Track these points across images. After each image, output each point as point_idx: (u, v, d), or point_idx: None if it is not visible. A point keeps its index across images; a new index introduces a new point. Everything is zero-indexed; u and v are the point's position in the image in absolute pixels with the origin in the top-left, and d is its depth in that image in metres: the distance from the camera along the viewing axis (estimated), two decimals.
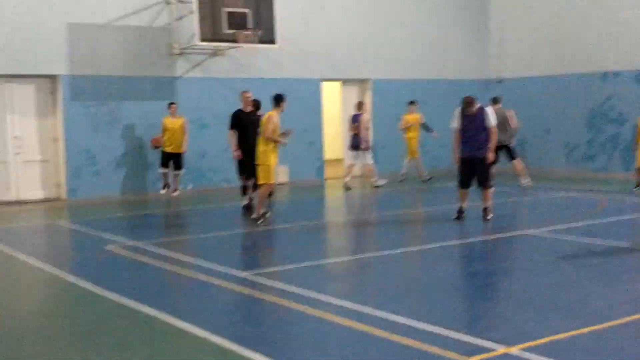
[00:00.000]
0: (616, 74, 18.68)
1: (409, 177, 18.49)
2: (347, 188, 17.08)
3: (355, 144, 17.05)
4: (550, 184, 16.98)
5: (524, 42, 21.04)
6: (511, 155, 16.54)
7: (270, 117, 12.02)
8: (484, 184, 12.09)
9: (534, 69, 20.66)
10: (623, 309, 6.77)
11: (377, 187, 17.29)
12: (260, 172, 12.14)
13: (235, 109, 13.81)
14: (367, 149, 17.12)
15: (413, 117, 18.40)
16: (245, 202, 13.72)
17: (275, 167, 12.24)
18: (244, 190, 13.71)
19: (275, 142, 12.07)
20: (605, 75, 18.93)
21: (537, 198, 15.13)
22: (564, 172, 19.65)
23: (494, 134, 11.98)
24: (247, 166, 13.15)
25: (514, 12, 21.23)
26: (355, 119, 17.15)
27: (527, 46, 20.92)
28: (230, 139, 13.56)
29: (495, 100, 16.23)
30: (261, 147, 12.07)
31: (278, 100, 12.25)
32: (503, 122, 15.49)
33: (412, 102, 18.51)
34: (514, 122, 16.17)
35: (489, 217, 12.05)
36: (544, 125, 20.28)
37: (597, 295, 7.37)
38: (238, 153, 13.33)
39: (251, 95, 13.64)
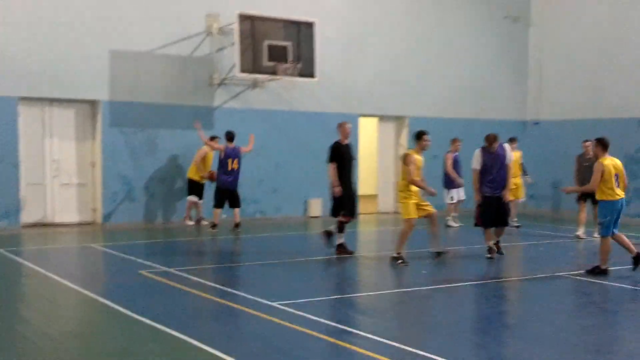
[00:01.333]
0: None
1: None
2: (447, 225, 16.90)
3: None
4: (585, 228, 16.77)
5: (562, 85, 21.00)
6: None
7: (411, 157, 11.20)
8: (505, 221, 12.29)
9: (571, 113, 20.57)
10: None
11: (448, 226, 16.88)
12: (401, 209, 11.69)
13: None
14: (447, 187, 16.97)
15: (515, 155, 16.55)
16: (341, 240, 12.47)
17: (413, 204, 11.37)
18: (341, 227, 12.40)
19: (419, 187, 11.35)
20: None
21: (571, 241, 14.96)
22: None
23: (511, 170, 12.22)
24: (346, 202, 12.24)
25: (553, 55, 21.22)
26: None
27: (565, 90, 20.86)
28: (332, 173, 12.16)
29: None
30: (401, 187, 11.48)
31: (418, 136, 11.49)
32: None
33: (512, 139, 16.99)
34: None
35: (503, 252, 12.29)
36: None
37: (625, 339, 7.28)
38: (339, 189, 12.06)
39: (350, 126, 12.68)
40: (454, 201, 17.17)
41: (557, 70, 21.16)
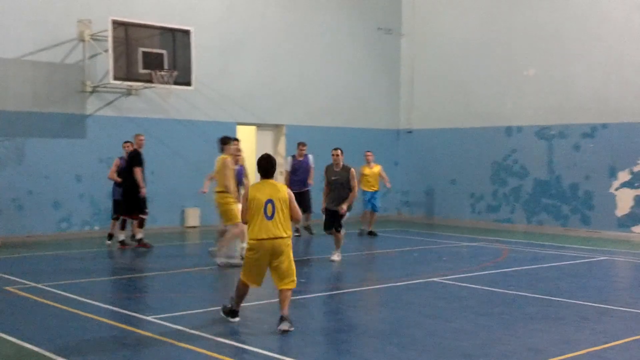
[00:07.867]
0: (519, 129, 19.44)
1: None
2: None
3: None
4: (456, 234, 17.38)
5: (432, 95, 21.70)
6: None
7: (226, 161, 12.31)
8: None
9: (442, 121, 21.29)
10: (522, 356, 7.00)
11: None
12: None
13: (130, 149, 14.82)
14: None
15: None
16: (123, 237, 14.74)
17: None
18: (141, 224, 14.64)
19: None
20: (509, 130, 19.67)
21: (443, 247, 15.44)
22: (468, 222, 20.15)
23: None
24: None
25: (424, 65, 21.90)
26: None
27: (436, 99, 21.57)
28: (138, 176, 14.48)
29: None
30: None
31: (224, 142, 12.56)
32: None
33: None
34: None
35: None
36: (450, 176, 20.84)
37: (497, 342, 7.57)
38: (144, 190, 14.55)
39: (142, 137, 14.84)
40: None
41: (427, 80, 21.85)
